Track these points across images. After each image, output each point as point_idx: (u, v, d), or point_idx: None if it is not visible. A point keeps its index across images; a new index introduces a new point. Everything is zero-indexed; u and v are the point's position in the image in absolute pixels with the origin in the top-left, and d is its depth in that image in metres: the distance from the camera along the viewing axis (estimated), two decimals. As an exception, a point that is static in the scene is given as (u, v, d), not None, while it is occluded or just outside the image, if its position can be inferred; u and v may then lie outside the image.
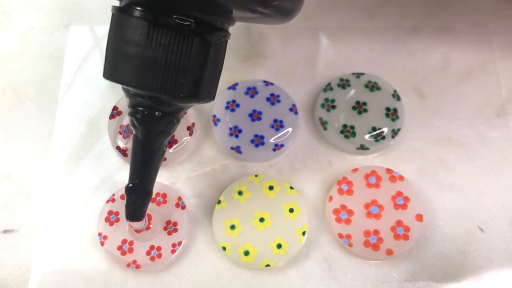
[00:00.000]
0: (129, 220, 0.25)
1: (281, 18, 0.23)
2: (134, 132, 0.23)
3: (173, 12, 0.21)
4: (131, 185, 0.24)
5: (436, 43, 0.33)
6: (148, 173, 0.24)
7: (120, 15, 0.22)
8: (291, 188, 0.29)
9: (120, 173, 0.30)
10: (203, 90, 0.22)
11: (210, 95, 0.23)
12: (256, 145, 0.30)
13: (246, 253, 0.27)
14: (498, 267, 0.28)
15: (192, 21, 0.21)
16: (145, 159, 0.24)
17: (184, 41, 0.21)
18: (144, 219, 0.25)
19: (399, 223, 0.27)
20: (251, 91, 0.31)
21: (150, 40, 0.21)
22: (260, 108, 0.31)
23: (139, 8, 0.21)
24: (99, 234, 0.28)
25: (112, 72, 0.22)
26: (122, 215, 0.28)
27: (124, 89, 0.23)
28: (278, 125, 0.30)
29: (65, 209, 0.29)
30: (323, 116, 0.31)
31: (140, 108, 0.22)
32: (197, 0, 0.21)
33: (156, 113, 0.22)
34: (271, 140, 0.30)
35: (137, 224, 0.26)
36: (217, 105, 0.31)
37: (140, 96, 0.22)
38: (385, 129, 0.30)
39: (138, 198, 0.24)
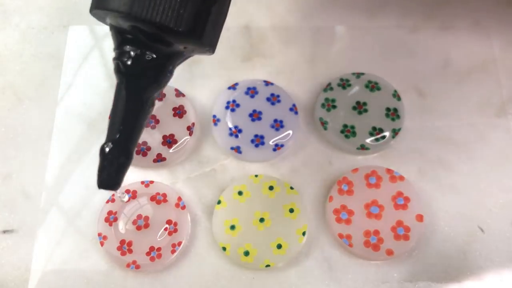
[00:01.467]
0: (103, 188, 0.20)
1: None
2: (117, 80, 0.20)
3: None
4: (109, 143, 0.20)
5: (436, 42, 0.33)
6: (132, 129, 0.20)
7: None
8: (291, 188, 0.29)
9: (120, 173, 0.30)
10: (206, 32, 0.19)
11: (211, 42, 0.20)
12: (256, 145, 0.30)
13: (246, 253, 0.27)
14: (498, 267, 0.28)
15: None
16: (128, 113, 0.20)
17: None
18: (120, 187, 0.21)
19: (399, 223, 0.27)
20: (251, 91, 0.31)
21: None
22: (260, 108, 0.31)
23: None
24: (99, 234, 0.28)
25: (99, 0, 0.19)
26: (122, 215, 0.28)
27: (111, 27, 0.20)
28: (278, 125, 0.30)
29: (65, 209, 0.29)
30: (323, 116, 0.31)
31: (130, 48, 0.20)
32: None
33: (147, 55, 0.20)
34: (271, 140, 0.30)
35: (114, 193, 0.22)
36: (217, 105, 0.31)
37: (131, 31, 0.19)
38: (388, 133, 0.30)
39: (115, 159, 0.20)
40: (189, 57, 0.21)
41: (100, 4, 0.19)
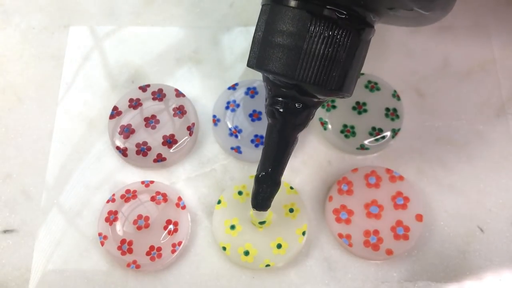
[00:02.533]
0: (257, 209, 0.25)
1: (437, 15, 0.24)
2: (270, 122, 0.24)
3: (330, 4, 0.21)
4: (263, 174, 0.24)
5: (436, 43, 0.33)
6: (280, 164, 0.24)
7: (274, 6, 0.22)
8: (291, 188, 0.29)
9: (120, 173, 0.30)
10: (347, 84, 0.23)
11: (350, 90, 0.23)
12: (256, 145, 0.30)
13: (246, 253, 0.27)
14: (498, 267, 0.28)
15: (347, 14, 0.21)
16: (279, 150, 0.24)
17: (343, 35, 0.21)
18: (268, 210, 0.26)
19: (399, 223, 0.27)
20: (251, 91, 0.31)
21: (310, 31, 0.21)
22: (260, 108, 0.31)
23: None
24: (99, 234, 0.28)
25: (261, 61, 0.22)
26: (122, 215, 0.28)
27: (266, 80, 0.23)
28: (278, 125, 0.30)
29: (65, 209, 0.29)
30: (323, 116, 0.31)
31: (283, 99, 0.23)
32: None
33: (297, 104, 0.23)
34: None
35: (261, 215, 0.27)
36: (217, 105, 0.31)
37: (286, 86, 0.23)
38: (388, 133, 0.30)
39: (268, 188, 0.24)
40: (328, 101, 0.26)
41: (263, 65, 0.22)
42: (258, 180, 0.24)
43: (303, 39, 0.21)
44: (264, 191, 0.24)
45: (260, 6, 0.24)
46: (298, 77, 0.22)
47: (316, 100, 0.23)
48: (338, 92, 0.23)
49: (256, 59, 0.23)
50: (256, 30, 0.23)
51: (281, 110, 0.23)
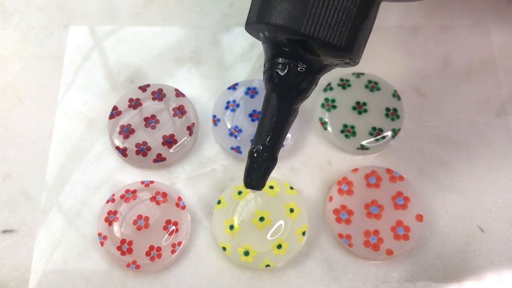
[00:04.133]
0: (250, 188, 0.22)
1: None
2: (269, 89, 0.21)
3: None
4: (259, 147, 0.21)
5: (436, 42, 0.33)
6: (279, 136, 0.22)
7: None
8: (291, 188, 0.29)
9: (120, 173, 0.30)
10: (356, 47, 0.21)
11: (358, 56, 0.21)
12: (256, 145, 0.30)
13: (246, 253, 0.27)
14: (498, 267, 0.28)
15: None
16: (278, 120, 0.21)
17: None
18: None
19: (399, 223, 0.27)
20: (251, 91, 0.31)
21: None
22: (260, 108, 0.31)
23: None
24: (99, 234, 0.28)
25: (263, 14, 0.20)
26: (122, 215, 0.28)
27: (265, 41, 0.21)
28: (278, 125, 0.30)
29: (65, 209, 0.29)
30: (323, 116, 0.31)
31: (284, 60, 0.21)
32: None
33: (300, 67, 0.21)
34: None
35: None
36: (217, 105, 0.31)
37: (289, 45, 0.21)
38: (388, 133, 0.30)
39: (264, 162, 0.22)
40: (332, 69, 0.22)
41: (264, 19, 0.20)
42: (252, 154, 0.22)
43: None
44: (259, 166, 0.22)
45: None
46: (305, 30, 0.20)
47: (321, 62, 0.21)
48: (346, 54, 0.21)
49: (257, 14, 0.21)
50: None
51: (281, 73, 0.21)
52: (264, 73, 0.22)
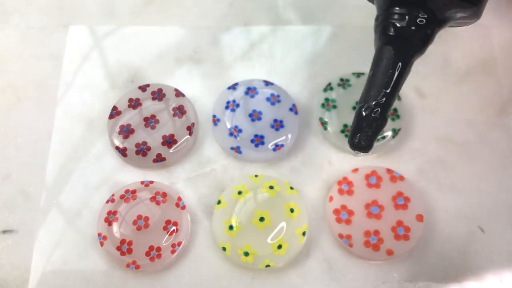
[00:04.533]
0: (356, 149, 0.21)
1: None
2: (383, 41, 0.20)
3: None
4: (370, 104, 0.20)
5: (436, 43, 0.33)
6: (392, 93, 0.20)
7: None
8: (291, 188, 0.29)
9: (120, 173, 0.30)
10: (484, 1, 0.20)
11: (481, 10, 0.20)
12: (256, 145, 0.30)
13: (246, 253, 0.27)
14: (498, 267, 0.28)
15: None
16: (392, 76, 0.20)
17: None
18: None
19: (399, 223, 0.27)
20: (251, 91, 0.31)
21: None
22: (260, 108, 0.31)
23: None
24: (99, 235, 0.28)
25: None
26: (121, 215, 0.28)
27: None
28: (278, 125, 0.30)
29: (65, 209, 0.29)
30: (323, 116, 0.31)
31: (402, 10, 0.19)
32: None
33: (420, 19, 0.19)
34: (271, 140, 0.30)
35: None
36: (217, 105, 0.31)
37: None
38: (388, 133, 0.30)
39: (374, 122, 0.20)
40: (451, 25, 0.21)
41: None
42: (360, 113, 0.20)
43: None
44: (369, 125, 0.20)
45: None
46: None
47: (441, 14, 0.19)
48: (472, 6, 0.19)
49: None
50: None
51: (399, 24, 0.19)
52: (376, 26, 0.20)
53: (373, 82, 0.20)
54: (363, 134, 0.20)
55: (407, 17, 0.19)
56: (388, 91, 0.20)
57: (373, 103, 0.20)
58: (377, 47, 0.20)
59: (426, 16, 0.19)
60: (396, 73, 0.20)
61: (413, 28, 0.19)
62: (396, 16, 0.19)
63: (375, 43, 0.20)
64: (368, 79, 0.20)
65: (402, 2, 0.19)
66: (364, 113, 0.20)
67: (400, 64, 0.20)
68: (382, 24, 0.20)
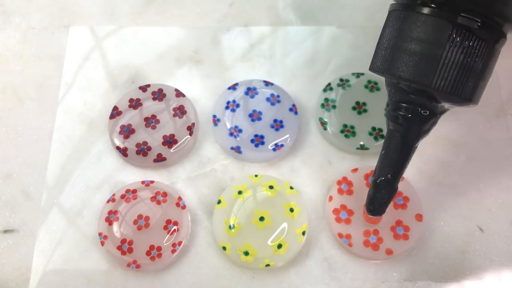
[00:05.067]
0: (373, 215, 0.25)
1: None
2: (392, 128, 0.23)
3: (467, 12, 0.21)
4: (382, 179, 0.24)
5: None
6: (400, 170, 0.24)
7: (407, 12, 0.22)
8: (291, 188, 0.29)
9: (120, 173, 0.30)
10: (478, 94, 0.23)
11: (478, 100, 0.23)
12: (256, 145, 0.30)
13: (246, 253, 0.27)
14: (498, 267, 0.28)
15: (484, 23, 0.21)
16: (400, 156, 0.24)
17: (482, 45, 0.22)
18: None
19: (398, 223, 0.27)
20: (251, 91, 0.31)
21: (450, 41, 0.21)
22: (260, 108, 0.31)
23: (433, 6, 0.21)
24: (99, 234, 0.28)
25: (392, 67, 0.22)
26: (122, 215, 0.28)
27: (390, 85, 0.23)
28: (278, 125, 0.30)
29: (65, 209, 0.29)
30: (323, 116, 0.31)
31: (409, 105, 0.23)
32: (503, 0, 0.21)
33: (423, 111, 0.23)
34: (271, 140, 0.30)
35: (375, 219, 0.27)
36: (217, 105, 0.31)
37: (415, 93, 0.23)
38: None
39: (386, 193, 0.24)
40: (447, 112, 0.24)
41: (394, 71, 0.22)
42: (376, 185, 0.24)
43: (442, 48, 0.21)
44: (382, 196, 0.24)
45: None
46: (435, 85, 0.21)
47: (443, 108, 0.23)
48: (469, 102, 0.22)
49: (388, 64, 0.22)
50: (383, 35, 0.24)
51: (406, 116, 0.23)
52: (387, 112, 0.24)
53: (383, 160, 0.24)
54: (377, 202, 0.24)
55: (412, 110, 0.23)
56: (396, 169, 0.24)
57: (384, 178, 0.24)
58: (387, 130, 0.24)
59: (428, 111, 0.23)
60: (403, 155, 0.24)
61: (417, 119, 0.23)
62: (403, 109, 0.23)
63: (386, 125, 0.24)
64: (380, 157, 0.24)
65: (407, 99, 0.23)
66: (378, 186, 0.24)
67: (406, 148, 0.23)
68: (392, 113, 0.23)
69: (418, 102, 0.23)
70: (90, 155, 0.31)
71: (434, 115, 0.23)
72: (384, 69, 0.23)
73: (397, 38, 0.22)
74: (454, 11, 0.21)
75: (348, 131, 0.30)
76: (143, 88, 0.31)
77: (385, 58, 0.23)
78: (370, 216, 0.25)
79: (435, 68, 0.21)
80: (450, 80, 0.21)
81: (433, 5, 0.22)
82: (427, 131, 0.24)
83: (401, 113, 0.23)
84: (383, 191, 0.24)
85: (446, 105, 0.23)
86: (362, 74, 0.32)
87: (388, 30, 0.23)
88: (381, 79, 0.31)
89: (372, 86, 0.31)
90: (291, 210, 0.28)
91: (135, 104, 0.31)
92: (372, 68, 0.24)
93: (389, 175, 0.24)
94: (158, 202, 0.28)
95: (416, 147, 0.24)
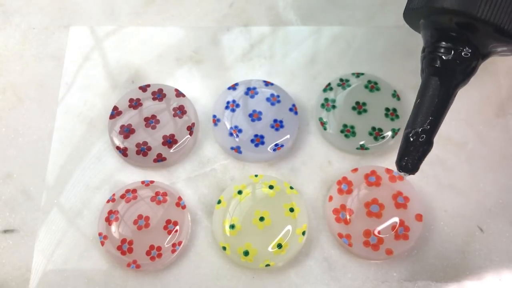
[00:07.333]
0: (404, 171, 0.22)
1: None
2: (429, 72, 0.21)
3: None
4: (417, 130, 0.21)
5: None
6: (437, 120, 0.22)
7: None
8: (291, 187, 0.29)
9: (120, 173, 0.30)
10: None
11: None
12: (256, 145, 0.30)
13: (246, 253, 0.27)
14: (498, 267, 0.28)
15: None
16: (438, 105, 0.21)
17: None
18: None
19: (398, 223, 0.27)
20: (251, 91, 0.31)
21: None
22: (260, 108, 0.31)
23: None
24: (99, 234, 0.28)
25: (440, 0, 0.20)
26: (122, 215, 0.28)
27: (425, 26, 0.21)
28: (278, 125, 0.30)
29: (66, 209, 0.29)
30: (323, 116, 0.31)
31: (448, 45, 0.21)
32: None
33: (465, 52, 0.21)
34: (271, 140, 0.30)
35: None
36: (217, 105, 0.31)
37: (457, 29, 0.20)
38: (387, 133, 0.30)
39: (421, 146, 0.22)
40: (495, 56, 0.22)
41: (437, 3, 0.20)
42: (408, 138, 0.22)
43: None
44: (416, 150, 0.22)
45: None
46: (481, 14, 0.19)
47: (484, 48, 0.21)
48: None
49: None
50: None
51: (445, 57, 0.21)
52: (422, 58, 0.22)
53: (419, 110, 0.22)
54: (410, 158, 0.22)
55: (452, 51, 0.21)
56: (433, 118, 0.21)
57: (420, 129, 0.21)
58: (424, 77, 0.21)
59: (470, 51, 0.21)
60: (442, 102, 0.21)
61: (458, 61, 0.21)
62: (442, 50, 0.21)
63: (422, 72, 0.22)
64: (414, 106, 0.22)
65: (448, 37, 0.21)
66: (411, 139, 0.22)
67: (445, 94, 0.21)
68: (429, 56, 0.21)
69: (460, 40, 0.20)
70: (90, 155, 0.31)
71: (476, 58, 0.21)
72: (424, 2, 0.21)
73: None
74: None
75: (348, 131, 0.30)
76: (143, 88, 0.31)
77: None
78: (400, 174, 0.23)
79: None
80: (497, 9, 0.19)
81: None
82: (467, 76, 0.21)
83: (439, 54, 0.21)
84: (417, 144, 0.21)
85: (490, 44, 0.21)
86: (362, 74, 0.32)
87: None
88: (381, 79, 0.31)
89: (372, 86, 0.31)
90: (291, 210, 0.28)
91: (135, 104, 0.31)
92: (408, 9, 0.21)
93: (425, 126, 0.21)
94: (158, 202, 0.28)
95: (455, 96, 0.22)
